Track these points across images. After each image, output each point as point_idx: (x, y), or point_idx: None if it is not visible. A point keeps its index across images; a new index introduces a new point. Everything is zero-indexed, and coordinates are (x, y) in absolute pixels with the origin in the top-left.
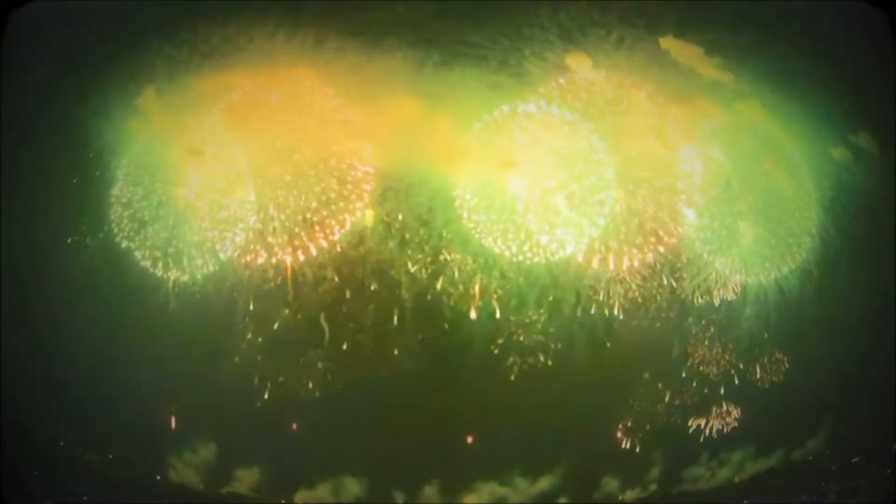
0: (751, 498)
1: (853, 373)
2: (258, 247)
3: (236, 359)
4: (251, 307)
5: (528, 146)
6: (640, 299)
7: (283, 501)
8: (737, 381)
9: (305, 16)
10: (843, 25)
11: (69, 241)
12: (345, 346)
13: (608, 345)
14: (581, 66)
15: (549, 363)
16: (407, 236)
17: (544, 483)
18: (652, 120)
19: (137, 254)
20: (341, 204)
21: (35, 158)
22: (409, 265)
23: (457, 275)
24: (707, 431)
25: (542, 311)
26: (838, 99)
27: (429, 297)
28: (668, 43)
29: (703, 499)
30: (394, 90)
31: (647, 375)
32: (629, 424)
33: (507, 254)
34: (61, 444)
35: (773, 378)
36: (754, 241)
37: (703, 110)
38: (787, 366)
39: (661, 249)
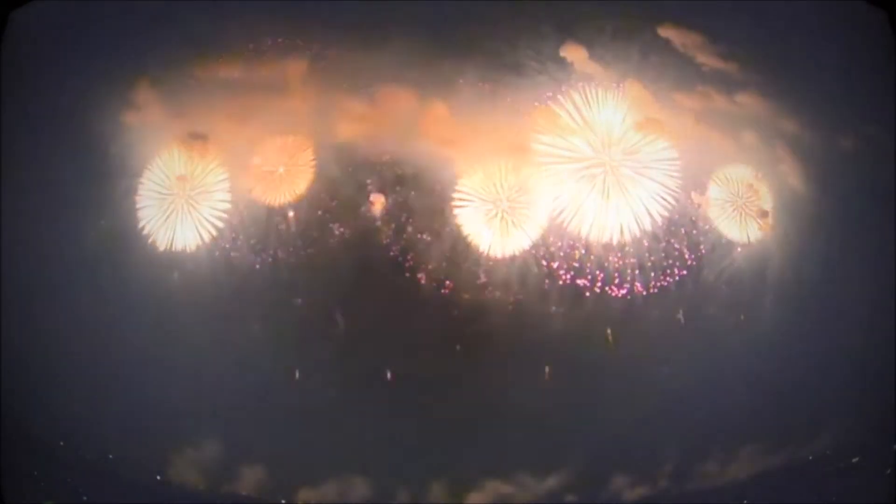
0: (751, 498)
1: (856, 370)
2: (264, 238)
3: (242, 354)
4: (258, 301)
5: (529, 138)
6: (658, 291)
7: (284, 501)
8: (753, 375)
9: (298, 7)
10: (846, 21)
11: (70, 237)
12: (355, 341)
13: (625, 337)
14: (577, 57)
15: (565, 357)
16: (414, 228)
17: (552, 481)
18: (653, 109)
19: (138, 250)
20: (347, 192)
21: (36, 157)
22: (419, 259)
23: (467, 267)
24: (721, 427)
25: (559, 303)
26: (845, 90)
27: (441, 291)
28: (667, 31)
29: (704, 499)
30: (387, 80)
31: (664, 369)
32: (642, 420)
33: (520, 246)
34: (61, 444)
35: (786, 372)
36: (765, 232)
37: (705, 100)
38: (800, 359)
39: (673, 243)
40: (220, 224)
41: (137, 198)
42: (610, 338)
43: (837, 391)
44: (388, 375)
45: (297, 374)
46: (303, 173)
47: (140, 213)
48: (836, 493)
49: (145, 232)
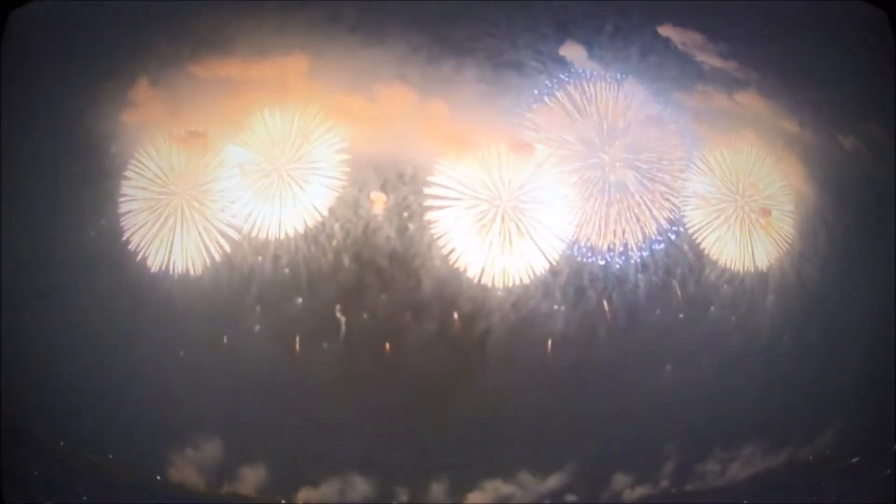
0: (751, 498)
1: (856, 370)
2: (265, 237)
3: (242, 355)
4: (258, 300)
5: (530, 135)
6: (660, 290)
7: (285, 501)
8: (754, 375)
9: (297, 6)
10: (846, 21)
11: (70, 238)
12: (356, 341)
13: (628, 336)
14: (576, 56)
15: (567, 356)
16: (416, 227)
17: (553, 481)
18: (653, 108)
19: (139, 248)
20: (349, 190)
21: (35, 156)
22: (420, 258)
23: (469, 266)
24: (722, 427)
25: (561, 301)
26: (845, 89)
27: (443, 291)
28: (667, 30)
29: (705, 499)
30: (387, 79)
31: (666, 368)
32: (643, 420)
33: (523, 243)
34: (61, 444)
35: (787, 372)
36: (769, 230)
37: (705, 99)
38: (800, 359)
39: (675, 242)
40: (235, 235)
41: (139, 193)
42: (608, 314)
43: (837, 391)
44: (395, 372)
45: (298, 344)
46: (302, 172)
47: (138, 216)
48: (836, 493)
49: (146, 229)
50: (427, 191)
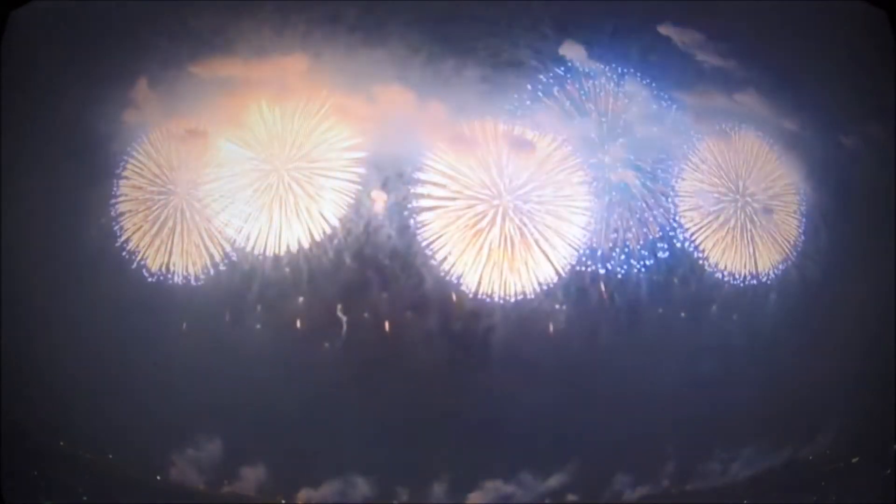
0: (751, 498)
1: (856, 371)
2: (265, 237)
3: (242, 354)
4: (259, 300)
5: (530, 135)
6: (661, 289)
7: (285, 501)
8: (754, 374)
9: (296, 6)
10: (846, 22)
11: (70, 237)
12: (358, 339)
13: (629, 335)
14: (576, 56)
15: (569, 355)
16: (415, 225)
17: (554, 480)
18: (654, 107)
19: (139, 247)
20: (351, 190)
21: (35, 156)
22: (421, 256)
23: (469, 265)
24: (722, 427)
25: (565, 300)
26: (845, 89)
27: (444, 288)
28: (667, 30)
29: (705, 498)
30: (386, 80)
31: (669, 366)
32: (645, 418)
33: (525, 243)
34: (61, 444)
35: (787, 372)
36: (770, 229)
37: (705, 98)
38: (800, 359)
39: (676, 242)
40: (236, 235)
41: (139, 194)
42: (610, 313)
43: (837, 391)
44: (396, 372)
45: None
46: (305, 172)
47: (138, 216)
48: (836, 493)
49: (146, 228)
50: (426, 190)
